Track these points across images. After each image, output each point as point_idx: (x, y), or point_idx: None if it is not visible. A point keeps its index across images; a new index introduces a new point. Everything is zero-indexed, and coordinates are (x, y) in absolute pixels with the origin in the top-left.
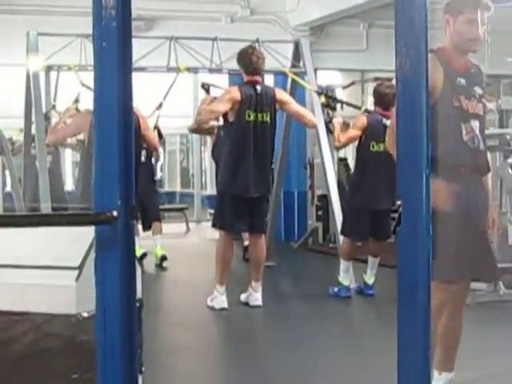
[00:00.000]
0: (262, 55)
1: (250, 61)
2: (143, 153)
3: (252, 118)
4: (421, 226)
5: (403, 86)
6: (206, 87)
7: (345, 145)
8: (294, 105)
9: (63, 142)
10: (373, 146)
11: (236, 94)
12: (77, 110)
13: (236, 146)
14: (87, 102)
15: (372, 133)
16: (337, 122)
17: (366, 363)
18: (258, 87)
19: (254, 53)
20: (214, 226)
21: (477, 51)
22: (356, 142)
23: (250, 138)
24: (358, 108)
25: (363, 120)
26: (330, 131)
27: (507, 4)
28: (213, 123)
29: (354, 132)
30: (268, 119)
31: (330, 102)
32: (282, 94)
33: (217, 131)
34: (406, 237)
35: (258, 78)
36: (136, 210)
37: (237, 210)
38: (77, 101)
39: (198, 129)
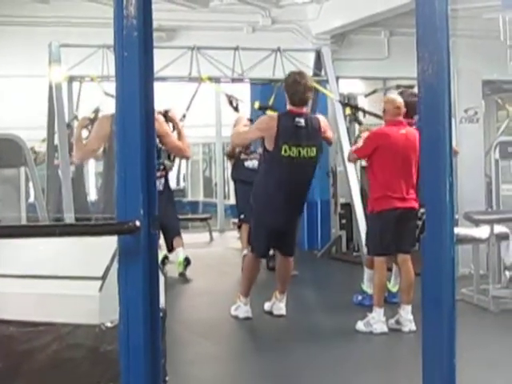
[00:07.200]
0: (311, 83)
1: (295, 90)
2: (161, 181)
3: (290, 153)
4: (445, 232)
5: (425, 91)
6: (235, 104)
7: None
8: (328, 131)
9: (92, 156)
10: None
11: (271, 125)
12: (90, 119)
13: (271, 179)
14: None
15: None
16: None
17: (389, 371)
18: (302, 120)
19: (301, 82)
20: (249, 243)
21: None
22: None
23: (286, 174)
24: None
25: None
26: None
27: None
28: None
29: None
30: (313, 154)
31: (356, 114)
32: (324, 123)
33: (238, 153)
34: (430, 244)
35: (302, 109)
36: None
37: (269, 238)
38: (97, 111)
39: (233, 153)
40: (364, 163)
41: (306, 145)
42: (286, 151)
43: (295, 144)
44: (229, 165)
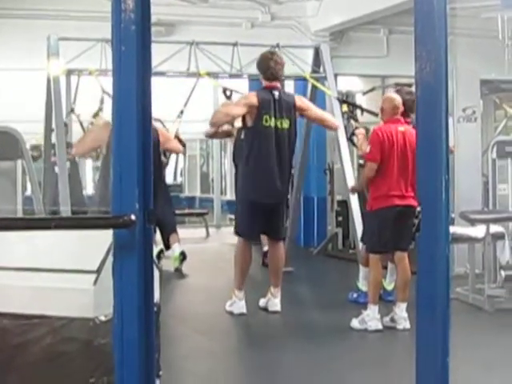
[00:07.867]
0: (282, 60)
1: (267, 66)
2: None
3: (270, 123)
4: (440, 230)
5: (423, 89)
6: (228, 93)
7: None
8: (314, 110)
9: (85, 155)
10: None
11: (253, 99)
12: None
13: (254, 151)
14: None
15: None
16: (359, 132)
17: (383, 368)
18: (276, 93)
19: (272, 58)
20: (236, 233)
21: None
22: None
23: (267, 144)
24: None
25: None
26: (353, 143)
27: None
28: (229, 126)
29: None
30: (287, 126)
31: (353, 110)
32: (301, 101)
33: (236, 133)
34: (425, 242)
35: (275, 83)
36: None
37: (255, 217)
38: (100, 109)
39: (215, 133)
40: (361, 161)
41: (280, 116)
42: (266, 121)
43: (273, 115)
44: (226, 160)
